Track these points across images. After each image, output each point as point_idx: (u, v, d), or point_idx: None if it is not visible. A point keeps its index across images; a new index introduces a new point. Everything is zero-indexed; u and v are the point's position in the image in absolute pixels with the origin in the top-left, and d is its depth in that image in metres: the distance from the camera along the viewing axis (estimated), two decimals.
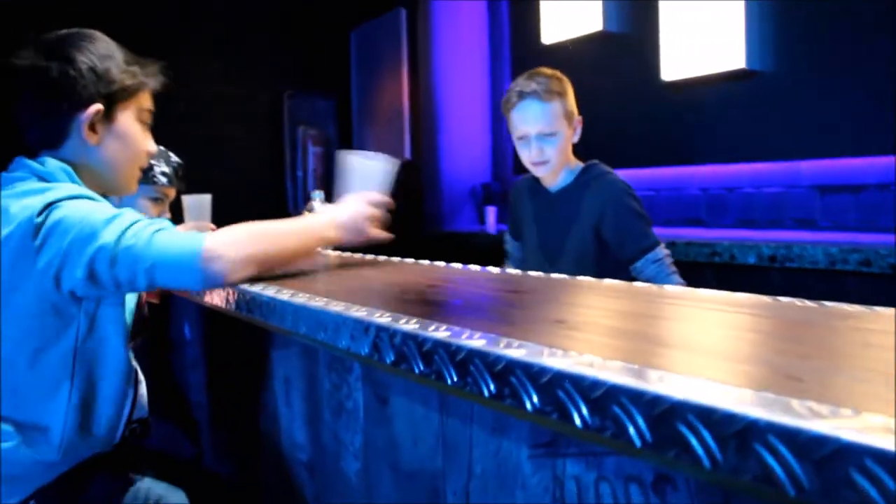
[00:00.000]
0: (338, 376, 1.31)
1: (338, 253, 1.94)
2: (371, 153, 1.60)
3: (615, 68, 3.91)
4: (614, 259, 1.81)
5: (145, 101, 1.34)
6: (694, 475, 0.56)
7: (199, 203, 2.10)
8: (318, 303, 1.00)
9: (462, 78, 4.68)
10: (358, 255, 1.81)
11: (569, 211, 1.91)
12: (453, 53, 4.62)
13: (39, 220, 1.14)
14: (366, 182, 1.55)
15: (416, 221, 4.70)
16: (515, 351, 0.66)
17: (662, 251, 1.79)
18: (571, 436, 0.74)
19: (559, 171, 1.94)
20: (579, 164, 1.97)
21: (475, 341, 0.70)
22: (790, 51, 3.12)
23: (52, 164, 1.24)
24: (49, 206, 1.15)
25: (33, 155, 1.26)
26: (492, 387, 0.66)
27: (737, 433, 0.47)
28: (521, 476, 0.93)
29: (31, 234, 1.13)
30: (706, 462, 0.49)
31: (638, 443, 0.53)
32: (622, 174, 3.93)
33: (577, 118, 1.94)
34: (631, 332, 0.84)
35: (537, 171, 1.94)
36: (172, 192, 2.04)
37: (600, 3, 3.85)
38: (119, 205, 1.34)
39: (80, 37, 1.27)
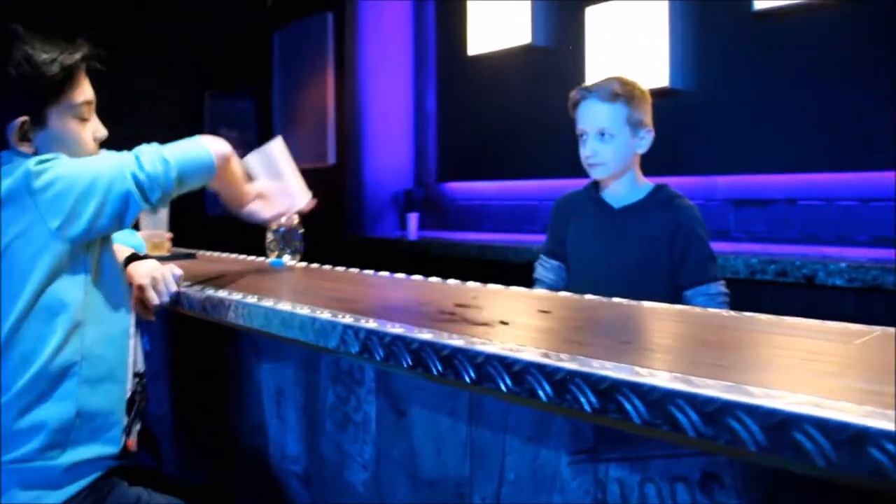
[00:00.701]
0: (344, 389, 1.34)
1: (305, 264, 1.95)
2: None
3: (541, 81, 4.06)
4: (669, 282, 1.80)
5: (78, 94, 1.27)
6: (806, 472, 0.64)
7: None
8: (397, 329, 1.00)
9: (387, 84, 4.72)
10: (353, 271, 1.84)
11: (636, 228, 1.86)
12: (379, 60, 4.65)
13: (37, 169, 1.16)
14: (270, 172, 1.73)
15: (337, 226, 4.70)
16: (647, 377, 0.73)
17: (719, 287, 1.78)
18: (684, 444, 0.80)
19: (619, 178, 1.89)
20: (648, 184, 1.93)
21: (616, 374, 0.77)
22: (711, 71, 3.35)
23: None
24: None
25: None
26: (595, 404, 0.74)
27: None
28: (559, 480, 1.00)
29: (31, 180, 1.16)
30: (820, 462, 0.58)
31: (753, 447, 0.62)
32: (547, 185, 4.11)
33: (647, 129, 1.88)
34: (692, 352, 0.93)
35: (592, 172, 1.89)
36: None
37: (529, 16, 3.99)
38: None
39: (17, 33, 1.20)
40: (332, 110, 4.64)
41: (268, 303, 1.25)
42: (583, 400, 0.74)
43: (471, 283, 1.54)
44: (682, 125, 3.46)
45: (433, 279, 1.60)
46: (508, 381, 0.83)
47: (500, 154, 4.37)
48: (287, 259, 2.02)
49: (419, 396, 1.19)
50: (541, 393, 0.78)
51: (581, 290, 1.52)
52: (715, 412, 0.64)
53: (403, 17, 4.73)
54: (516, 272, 2.24)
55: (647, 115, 1.89)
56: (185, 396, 1.94)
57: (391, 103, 4.78)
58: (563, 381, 0.77)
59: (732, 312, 1.21)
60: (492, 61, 4.29)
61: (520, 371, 0.81)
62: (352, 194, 4.58)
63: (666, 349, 0.95)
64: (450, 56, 4.57)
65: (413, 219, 4.69)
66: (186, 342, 1.93)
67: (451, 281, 1.57)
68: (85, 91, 1.30)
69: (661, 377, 0.71)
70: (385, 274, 1.73)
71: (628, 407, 0.71)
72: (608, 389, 0.72)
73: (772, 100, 3.14)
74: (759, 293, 2.71)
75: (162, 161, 1.24)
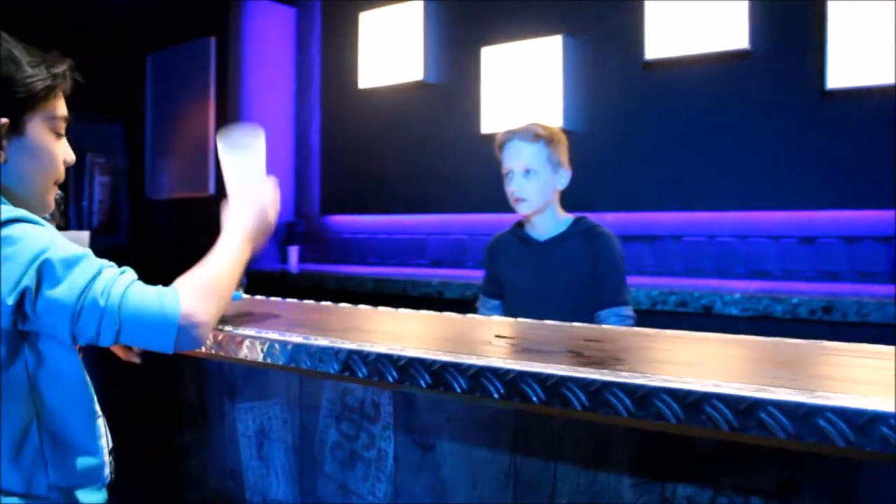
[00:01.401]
0: (352, 426, 1.29)
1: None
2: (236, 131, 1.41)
3: (432, 118, 4.14)
4: (590, 306, 1.93)
5: (58, 107, 1.17)
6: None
7: (76, 239, 1.88)
8: (470, 359, 0.99)
9: (269, 114, 4.61)
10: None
11: (561, 259, 1.99)
12: (262, 88, 4.54)
13: None
14: (245, 164, 1.39)
15: None
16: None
17: (629, 311, 1.93)
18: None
19: (542, 213, 2.02)
20: (568, 217, 2.08)
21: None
22: (603, 114, 3.58)
23: None
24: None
25: None
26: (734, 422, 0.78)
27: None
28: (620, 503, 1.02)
29: None
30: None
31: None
32: (436, 219, 4.16)
33: (565, 168, 2.05)
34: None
35: (518, 208, 2.02)
36: None
37: (421, 53, 4.06)
38: None
39: None
40: (212, 138, 4.43)
41: (296, 338, 1.17)
42: (667, 413, 0.77)
43: (475, 315, 1.54)
44: (575, 164, 3.65)
45: (424, 312, 1.58)
46: (630, 406, 0.84)
47: (389, 188, 4.39)
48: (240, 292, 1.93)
49: (450, 429, 1.17)
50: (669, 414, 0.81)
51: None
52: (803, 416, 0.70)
53: (287, 47, 4.66)
54: (415, 305, 2.21)
55: (564, 155, 2.09)
56: (127, 442, 1.75)
57: (273, 134, 4.66)
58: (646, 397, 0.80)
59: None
60: (383, 96, 4.32)
61: (599, 389, 0.84)
62: None
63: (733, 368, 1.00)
64: (337, 88, 4.54)
65: (294, 251, 4.58)
66: (126, 383, 1.75)
67: (450, 314, 1.56)
68: (63, 105, 1.18)
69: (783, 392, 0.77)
70: (380, 308, 1.68)
71: (770, 421, 0.75)
72: (749, 408, 0.76)
73: (658, 143, 3.41)
74: (659, 323, 2.90)
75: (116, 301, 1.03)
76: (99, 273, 1.04)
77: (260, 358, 1.19)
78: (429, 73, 4.10)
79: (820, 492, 0.90)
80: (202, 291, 1.11)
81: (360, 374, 1.08)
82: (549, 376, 0.91)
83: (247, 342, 1.21)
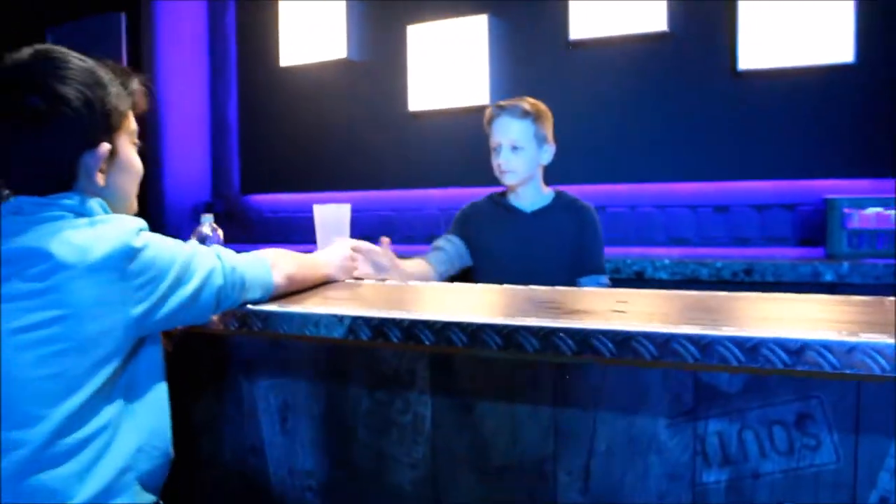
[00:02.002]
0: (386, 394, 1.36)
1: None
2: (332, 204, 1.88)
3: (356, 96, 4.16)
4: (572, 276, 2.07)
5: (132, 122, 1.23)
6: None
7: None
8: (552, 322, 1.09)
9: (184, 92, 4.47)
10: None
11: (549, 230, 2.14)
12: (176, 66, 4.38)
13: (137, 246, 1.03)
14: (334, 228, 1.86)
15: None
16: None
17: (606, 280, 2.10)
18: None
19: (526, 185, 2.14)
20: (550, 191, 2.20)
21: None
22: (528, 91, 3.70)
23: (88, 201, 1.10)
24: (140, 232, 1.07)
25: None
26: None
27: None
28: (656, 443, 1.17)
29: (126, 261, 1.02)
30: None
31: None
32: (360, 196, 4.20)
33: (550, 144, 2.15)
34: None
35: (504, 179, 2.13)
36: None
37: (344, 31, 4.06)
38: None
39: (52, 62, 1.07)
40: None
41: (341, 310, 1.23)
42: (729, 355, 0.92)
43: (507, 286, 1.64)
44: None
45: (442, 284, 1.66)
46: (696, 353, 0.98)
47: (313, 166, 4.37)
48: None
49: (489, 390, 1.27)
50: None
51: None
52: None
53: (199, 24, 4.51)
54: None
55: (549, 131, 2.18)
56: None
57: (189, 112, 4.53)
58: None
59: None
60: (305, 74, 4.28)
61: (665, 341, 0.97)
62: (152, 207, 4.25)
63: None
64: (256, 66, 4.46)
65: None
66: None
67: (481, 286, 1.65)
68: (134, 119, 1.24)
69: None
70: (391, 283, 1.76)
71: (818, 357, 0.90)
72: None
73: (582, 119, 3.59)
74: None
75: (233, 270, 1.25)
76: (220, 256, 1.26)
77: (297, 332, 1.25)
78: (352, 51, 4.10)
79: (830, 416, 1.07)
80: (282, 254, 1.42)
81: (395, 340, 1.18)
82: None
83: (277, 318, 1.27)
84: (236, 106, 4.62)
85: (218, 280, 1.19)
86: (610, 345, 1.05)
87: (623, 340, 1.04)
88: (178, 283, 1.10)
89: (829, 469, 1.07)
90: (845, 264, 2.62)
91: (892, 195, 2.80)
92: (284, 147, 4.44)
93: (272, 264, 1.36)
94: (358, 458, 1.40)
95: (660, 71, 3.38)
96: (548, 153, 2.17)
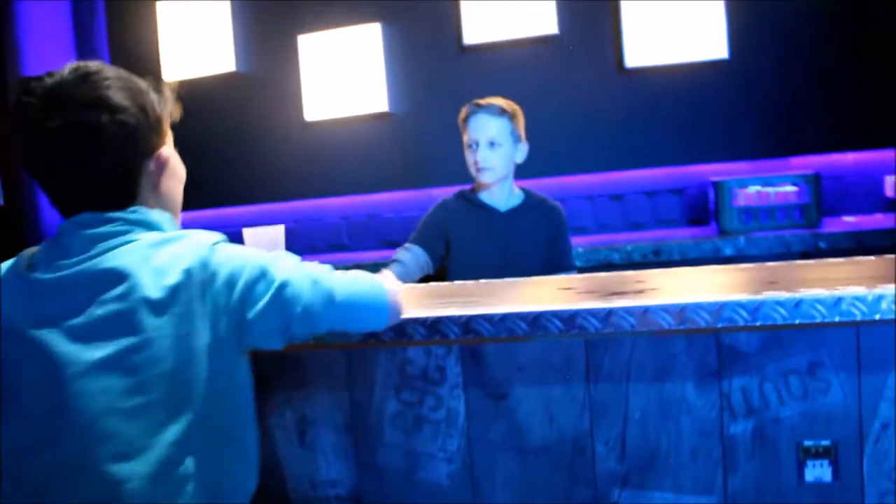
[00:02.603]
0: (415, 394, 1.39)
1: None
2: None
3: (249, 107, 4.06)
4: (543, 272, 2.12)
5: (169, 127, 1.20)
6: None
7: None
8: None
9: None
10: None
11: (525, 228, 2.20)
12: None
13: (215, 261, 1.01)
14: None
15: None
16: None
17: (575, 273, 2.19)
18: None
19: (501, 184, 2.18)
20: (520, 190, 2.26)
21: None
22: (426, 94, 3.79)
23: (151, 213, 1.06)
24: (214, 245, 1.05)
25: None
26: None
27: None
28: (685, 405, 1.29)
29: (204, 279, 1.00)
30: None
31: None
32: (252, 210, 4.10)
33: (523, 142, 2.21)
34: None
35: (482, 177, 2.15)
36: None
37: (231, 44, 3.95)
38: None
39: (93, 75, 1.04)
40: None
41: None
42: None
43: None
44: (401, 144, 3.85)
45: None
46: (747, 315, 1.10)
47: (202, 182, 4.18)
48: None
49: (522, 376, 1.34)
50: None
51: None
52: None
53: (65, 38, 4.21)
54: None
55: (523, 131, 2.26)
56: None
57: None
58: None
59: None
60: (191, 88, 4.09)
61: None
62: (30, 241, 3.91)
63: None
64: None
65: None
66: None
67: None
68: None
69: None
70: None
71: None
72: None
73: None
74: None
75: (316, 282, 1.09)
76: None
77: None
78: (240, 64, 3.99)
79: (837, 360, 1.23)
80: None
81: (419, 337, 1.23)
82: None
83: None
84: None
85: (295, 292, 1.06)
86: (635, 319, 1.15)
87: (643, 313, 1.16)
88: (252, 294, 1.03)
89: (838, 406, 1.23)
90: (741, 239, 2.92)
91: (768, 174, 3.14)
92: None
93: (391, 289, 1.19)
94: (388, 460, 1.41)
95: (551, 71, 3.58)
96: (522, 151, 2.25)
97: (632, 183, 3.58)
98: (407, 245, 2.20)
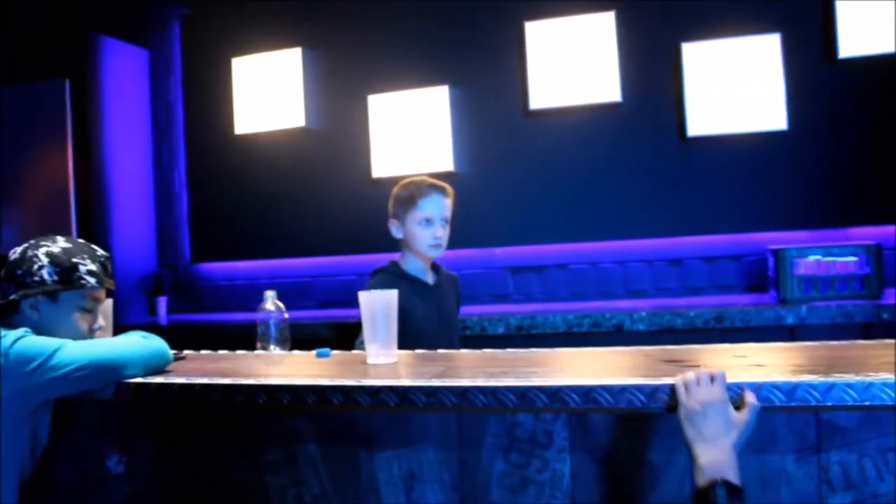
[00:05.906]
0: (522, 455, 1.47)
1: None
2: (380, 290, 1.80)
3: (318, 162, 4.24)
4: None
5: None
6: None
7: (103, 309, 1.84)
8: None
9: (130, 162, 4.38)
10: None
11: (448, 299, 2.40)
12: (122, 135, 4.30)
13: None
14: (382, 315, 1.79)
15: None
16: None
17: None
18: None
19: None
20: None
21: None
22: (489, 157, 3.94)
23: None
24: None
25: None
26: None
27: None
28: (785, 476, 1.35)
29: None
30: None
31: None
32: (318, 262, 4.23)
33: None
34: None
35: (435, 252, 2.30)
36: (103, 296, 1.76)
37: (301, 100, 4.15)
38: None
39: None
40: (72, 185, 4.08)
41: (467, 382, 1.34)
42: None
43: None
44: (466, 205, 3.97)
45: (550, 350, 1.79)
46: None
47: (269, 233, 4.38)
48: (275, 348, 2.00)
49: (627, 441, 1.41)
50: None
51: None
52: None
53: (142, 90, 4.47)
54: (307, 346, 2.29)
55: None
56: None
57: (135, 182, 4.45)
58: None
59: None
60: (262, 141, 4.32)
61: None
62: None
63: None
64: (207, 133, 4.45)
65: (162, 302, 4.37)
66: (188, 457, 1.72)
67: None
68: None
69: None
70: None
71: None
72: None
73: (542, 183, 3.86)
74: (577, 343, 3.31)
75: None
76: None
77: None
78: (310, 119, 4.19)
79: None
80: None
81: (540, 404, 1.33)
82: None
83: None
84: (184, 174, 4.57)
85: None
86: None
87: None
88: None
89: None
90: (803, 307, 2.97)
91: (827, 244, 3.21)
92: (239, 214, 4.43)
93: None
94: None
95: (614, 137, 3.72)
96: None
97: (690, 248, 3.66)
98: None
